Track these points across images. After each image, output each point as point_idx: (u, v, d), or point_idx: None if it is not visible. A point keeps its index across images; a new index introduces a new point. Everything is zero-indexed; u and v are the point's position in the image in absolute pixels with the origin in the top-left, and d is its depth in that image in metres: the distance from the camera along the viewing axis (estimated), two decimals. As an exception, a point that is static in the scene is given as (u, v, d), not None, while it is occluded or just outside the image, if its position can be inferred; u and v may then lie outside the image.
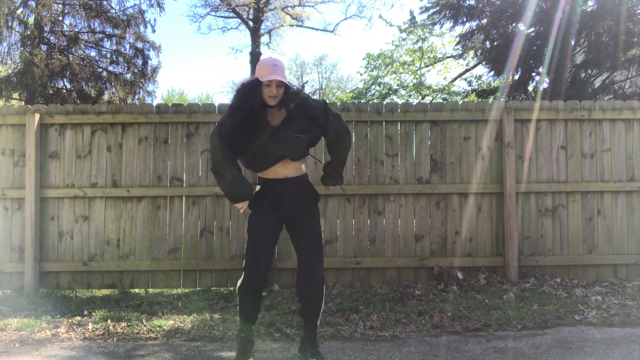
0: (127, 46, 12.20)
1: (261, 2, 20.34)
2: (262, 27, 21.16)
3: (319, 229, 3.09)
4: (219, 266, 5.05)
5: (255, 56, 20.33)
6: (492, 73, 9.73)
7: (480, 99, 10.15)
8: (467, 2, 9.81)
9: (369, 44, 48.77)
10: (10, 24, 10.83)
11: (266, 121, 2.88)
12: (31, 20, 11.25)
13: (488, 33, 9.35)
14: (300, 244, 3.04)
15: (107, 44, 12.09)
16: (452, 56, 15.49)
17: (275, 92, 2.82)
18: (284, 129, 2.87)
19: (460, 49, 12.98)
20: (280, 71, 2.84)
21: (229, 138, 2.90)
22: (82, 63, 11.41)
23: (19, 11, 11.00)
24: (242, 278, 2.99)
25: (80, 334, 3.73)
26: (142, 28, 12.21)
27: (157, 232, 5.08)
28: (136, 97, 12.26)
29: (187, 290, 5.02)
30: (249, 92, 2.85)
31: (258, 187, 3.03)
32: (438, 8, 10.27)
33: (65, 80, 11.44)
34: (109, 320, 3.96)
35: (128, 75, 12.14)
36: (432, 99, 15.66)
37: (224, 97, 38.23)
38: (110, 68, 12.05)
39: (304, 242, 3.02)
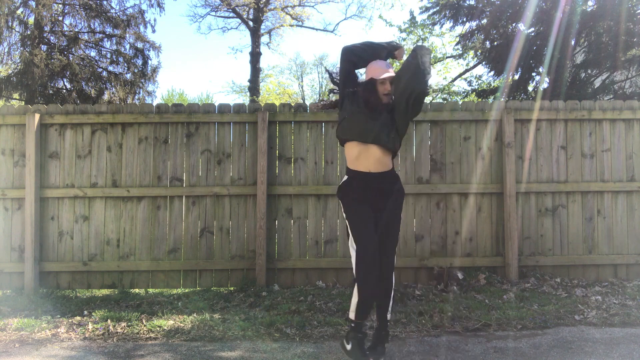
0: (127, 46, 12.18)
1: (261, 2, 20.35)
2: (262, 27, 21.17)
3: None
4: (219, 266, 5.05)
5: (255, 56, 20.31)
6: (492, 73, 9.72)
7: (480, 99, 10.14)
8: (467, 2, 9.80)
9: (369, 44, 48.58)
10: (10, 24, 10.81)
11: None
12: (31, 20, 11.23)
13: (488, 33, 9.34)
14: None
15: (107, 44, 12.08)
16: (452, 56, 15.48)
17: (389, 89, 2.97)
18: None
19: (460, 49, 12.97)
20: (392, 70, 3.01)
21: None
22: (82, 63, 11.40)
23: (19, 11, 10.99)
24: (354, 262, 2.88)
25: (80, 334, 3.73)
26: (142, 28, 12.19)
27: (157, 232, 5.08)
28: (136, 97, 12.24)
29: (187, 290, 5.02)
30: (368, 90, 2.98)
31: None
32: (438, 8, 10.25)
33: (65, 80, 11.42)
34: (109, 320, 3.96)
35: (128, 75, 12.12)
36: (432, 99, 15.65)
37: (224, 97, 38.19)
38: (110, 68, 12.03)
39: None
